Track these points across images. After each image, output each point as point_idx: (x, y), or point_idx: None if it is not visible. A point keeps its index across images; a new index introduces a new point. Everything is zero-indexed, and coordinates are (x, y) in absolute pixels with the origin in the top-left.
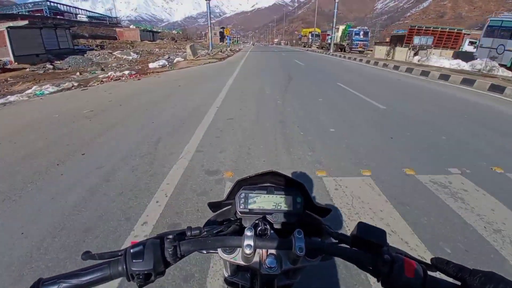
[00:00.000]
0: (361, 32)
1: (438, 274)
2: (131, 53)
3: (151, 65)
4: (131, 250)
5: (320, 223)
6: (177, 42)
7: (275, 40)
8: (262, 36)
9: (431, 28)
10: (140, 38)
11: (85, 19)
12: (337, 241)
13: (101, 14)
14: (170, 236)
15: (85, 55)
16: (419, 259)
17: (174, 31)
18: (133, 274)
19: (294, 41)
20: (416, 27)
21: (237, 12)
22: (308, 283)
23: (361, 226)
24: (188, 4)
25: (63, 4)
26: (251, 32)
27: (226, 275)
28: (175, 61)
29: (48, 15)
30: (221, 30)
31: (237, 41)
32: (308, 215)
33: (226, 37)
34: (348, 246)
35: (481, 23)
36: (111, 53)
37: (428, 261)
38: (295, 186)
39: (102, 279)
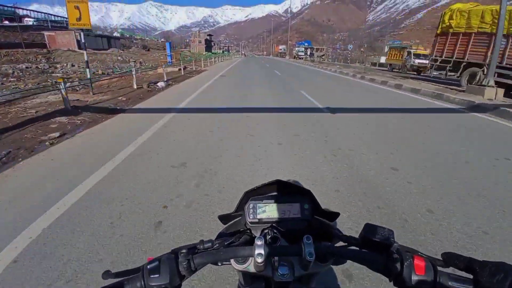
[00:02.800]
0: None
1: (450, 269)
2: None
3: None
4: (148, 266)
5: (329, 227)
6: (150, 51)
7: (280, 47)
8: (255, 45)
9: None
10: (79, 46)
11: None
12: (346, 244)
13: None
14: (184, 251)
15: None
16: (429, 256)
17: (157, 39)
18: None
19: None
20: None
21: (231, 22)
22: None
23: (368, 227)
24: (182, 13)
25: None
26: (244, 41)
27: (241, 285)
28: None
29: None
30: (208, 37)
31: (226, 51)
32: (317, 220)
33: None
34: (357, 248)
35: None
36: None
37: (439, 257)
38: (302, 193)
39: None
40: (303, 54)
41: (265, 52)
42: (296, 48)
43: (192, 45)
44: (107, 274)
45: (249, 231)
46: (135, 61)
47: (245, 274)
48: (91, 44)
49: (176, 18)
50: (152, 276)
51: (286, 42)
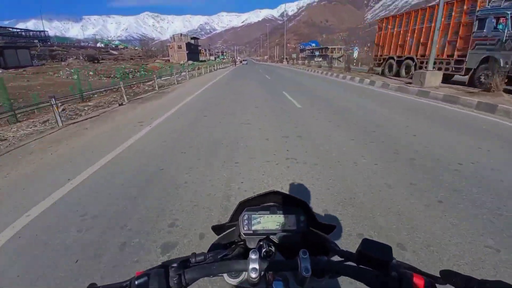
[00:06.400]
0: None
1: (447, 287)
2: None
3: None
4: (136, 282)
5: (325, 240)
6: (99, 63)
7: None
8: (253, 49)
9: None
10: None
11: None
12: (342, 259)
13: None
14: (175, 265)
15: None
16: (427, 273)
17: (130, 46)
18: None
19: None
20: None
21: (227, 28)
22: None
23: (366, 242)
24: (178, 22)
25: None
26: (242, 46)
27: None
28: None
29: None
30: (192, 41)
31: (218, 57)
32: (312, 232)
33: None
34: (354, 264)
35: None
36: None
37: (437, 274)
38: (298, 205)
39: None
40: (314, 55)
41: (266, 57)
42: (303, 47)
43: (171, 52)
44: (93, 287)
45: (243, 243)
46: None
47: None
48: None
49: (172, 27)
50: None
51: (284, 45)
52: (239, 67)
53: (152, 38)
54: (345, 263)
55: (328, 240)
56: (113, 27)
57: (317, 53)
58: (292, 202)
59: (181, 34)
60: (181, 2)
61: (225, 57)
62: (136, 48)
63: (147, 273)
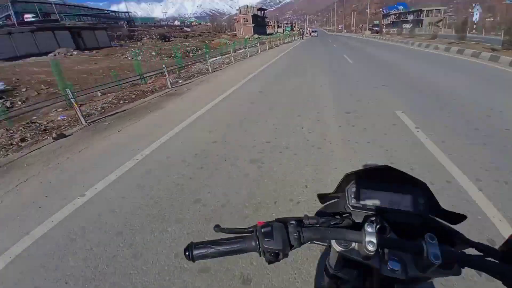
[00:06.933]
0: None
1: None
2: None
3: None
4: (262, 230)
5: (451, 230)
6: (170, 41)
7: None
8: (325, 19)
9: None
10: None
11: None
12: (481, 254)
13: None
14: (293, 222)
15: None
16: None
17: (195, 22)
18: (265, 251)
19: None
20: None
21: None
22: None
23: None
24: None
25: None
26: (313, 15)
27: (329, 267)
28: None
29: None
30: (259, 12)
31: (288, 29)
32: (432, 220)
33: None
34: (496, 261)
35: None
36: None
37: None
38: (416, 185)
39: (238, 251)
40: (404, 21)
41: (340, 26)
42: (387, 12)
43: (237, 27)
44: (218, 228)
45: (350, 215)
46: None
47: (339, 258)
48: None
49: (244, 1)
50: (266, 239)
51: (363, 11)
52: (308, 41)
53: (223, 12)
54: (486, 259)
55: (455, 230)
56: (190, 5)
57: (410, 17)
58: (410, 181)
59: (247, 6)
60: None
61: (294, 29)
62: (207, 24)
63: (270, 224)
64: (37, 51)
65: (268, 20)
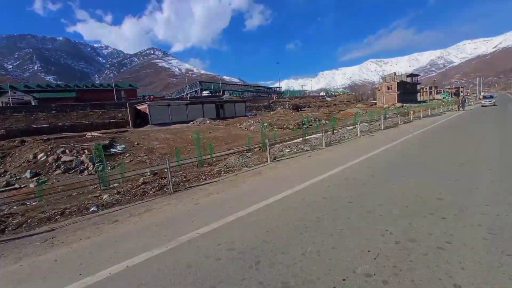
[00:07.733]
0: None
1: None
2: None
3: None
4: None
5: None
6: (301, 110)
7: None
8: (510, 81)
9: None
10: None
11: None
12: None
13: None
14: None
15: None
16: None
17: (338, 92)
18: None
19: None
20: None
21: (470, 59)
22: None
23: None
24: (403, 62)
25: None
26: (491, 78)
27: None
28: None
29: None
30: (408, 79)
31: (447, 95)
32: None
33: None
34: None
35: None
36: None
37: None
38: None
39: None
40: None
41: None
42: None
43: (378, 95)
44: None
45: None
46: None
47: None
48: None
49: (395, 68)
50: None
51: None
52: (470, 114)
53: (373, 82)
54: None
55: None
56: (340, 77)
57: None
58: None
59: (395, 74)
60: (406, 42)
61: (461, 94)
62: (348, 93)
63: None
64: (186, 119)
65: (422, 86)
